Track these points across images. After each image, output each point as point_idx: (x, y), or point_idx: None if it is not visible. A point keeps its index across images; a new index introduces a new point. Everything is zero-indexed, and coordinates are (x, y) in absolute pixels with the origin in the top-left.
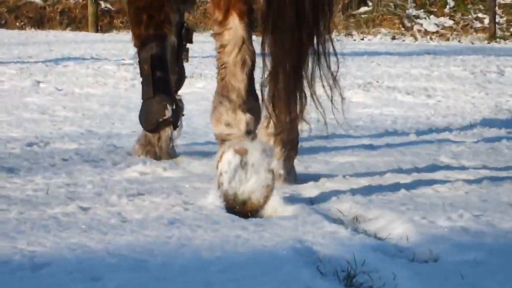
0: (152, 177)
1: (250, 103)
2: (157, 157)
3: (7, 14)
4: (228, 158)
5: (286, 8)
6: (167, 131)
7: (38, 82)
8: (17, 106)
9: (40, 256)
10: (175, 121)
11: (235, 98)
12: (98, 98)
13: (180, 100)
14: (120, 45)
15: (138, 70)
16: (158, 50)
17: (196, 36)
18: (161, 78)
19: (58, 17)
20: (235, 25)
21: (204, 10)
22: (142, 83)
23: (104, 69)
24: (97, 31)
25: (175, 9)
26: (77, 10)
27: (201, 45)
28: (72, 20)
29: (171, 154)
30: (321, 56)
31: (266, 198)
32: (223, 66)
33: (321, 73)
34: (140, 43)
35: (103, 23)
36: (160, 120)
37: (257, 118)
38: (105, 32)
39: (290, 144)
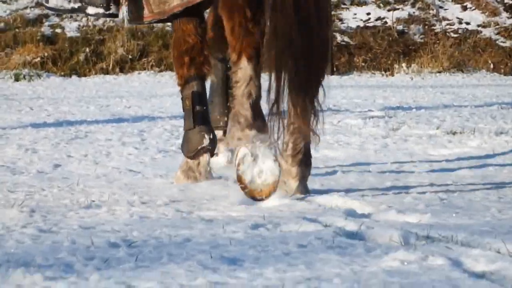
0: (419, 267)
1: (255, 123)
2: (197, 181)
3: None
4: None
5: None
6: (205, 157)
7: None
8: (232, 173)
9: None
10: (212, 149)
11: (243, 122)
12: (340, 163)
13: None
14: (365, 91)
15: (389, 126)
16: (198, 88)
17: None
18: (200, 111)
19: None
20: (245, 66)
21: None
22: (184, 116)
23: (346, 125)
24: (332, 72)
25: (217, 49)
26: None
27: (472, 90)
28: None
29: (209, 178)
30: None
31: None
32: (235, 97)
33: None
34: (183, 82)
35: (340, 62)
36: (199, 148)
37: (261, 132)
38: (343, 74)
39: (304, 164)
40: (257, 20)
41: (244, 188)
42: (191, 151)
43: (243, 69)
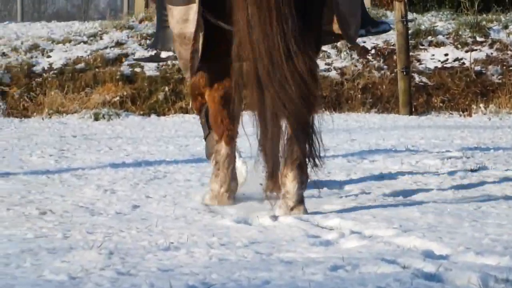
0: None
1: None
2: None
3: None
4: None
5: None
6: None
7: (339, 183)
8: (312, 215)
9: None
10: None
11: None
12: (418, 204)
13: None
14: (443, 132)
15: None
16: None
17: None
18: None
19: (359, 96)
20: (222, 147)
21: None
22: (203, 131)
23: (424, 165)
24: (410, 113)
25: None
26: (384, 87)
27: None
28: (378, 100)
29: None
30: None
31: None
32: (216, 164)
33: None
34: (198, 110)
35: (418, 102)
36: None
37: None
38: (421, 114)
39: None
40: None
41: None
42: (211, 152)
43: (222, 149)
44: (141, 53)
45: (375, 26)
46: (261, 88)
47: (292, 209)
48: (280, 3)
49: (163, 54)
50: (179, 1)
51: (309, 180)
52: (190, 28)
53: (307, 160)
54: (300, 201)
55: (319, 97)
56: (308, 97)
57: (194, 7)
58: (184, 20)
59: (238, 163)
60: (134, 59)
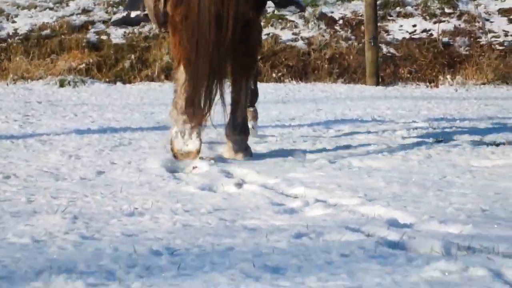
0: (460, 278)
1: (187, 110)
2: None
3: (261, 63)
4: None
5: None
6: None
7: (304, 152)
8: (277, 183)
9: None
10: None
11: (179, 108)
12: (384, 174)
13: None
14: (410, 102)
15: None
16: None
17: None
18: None
19: (326, 66)
20: (181, 71)
21: None
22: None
23: (390, 135)
24: (377, 83)
25: None
26: (351, 57)
27: None
28: (345, 70)
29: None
30: None
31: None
32: (175, 90)
33: None
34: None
35: (385, 73)
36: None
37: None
38: (388, 85)
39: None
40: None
41: (175, 154)
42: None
43: (179, 72)
44: (107, 19)
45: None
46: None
47: (236, 152)
48: None
49: (133, 14)
50: None
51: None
52: None
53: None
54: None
55: (254, 56)
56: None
57: None
58: None
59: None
60: (111, 23)
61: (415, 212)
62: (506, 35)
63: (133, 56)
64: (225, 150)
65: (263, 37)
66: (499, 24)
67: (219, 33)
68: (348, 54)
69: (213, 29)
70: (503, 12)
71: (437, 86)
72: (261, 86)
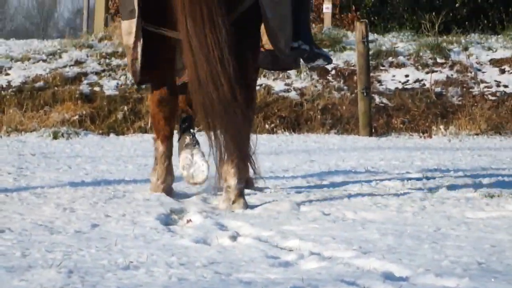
0: None
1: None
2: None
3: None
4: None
5: None
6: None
7: (299, 204)
8: (271, 236)
9: None
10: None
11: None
12: (378, 226)
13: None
14: (403, 153)
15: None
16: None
17: None
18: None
19: (319, 117)
20: (159, 145)
21: None
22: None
23: (383, 187)
24: (370, 134)
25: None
26: (344, 107)
27: (510, 153)
28: (338, 120)
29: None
30: None
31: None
32: (155, 161)
33: None
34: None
35: (378, 123)
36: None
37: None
38: (381, 135)
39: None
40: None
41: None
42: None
43: (159, 147)
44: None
45: (315, 56)
46: (201, 88)
47: (233, 202)
48: (213, 15)
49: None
50: (125, 16)
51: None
52: (132, 39)
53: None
54: (240, 195)
55: (252, 101)
56: (239, 101)
57: (135, 21)
58: (128, 33)
59: (200, 161)
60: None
61: (410, 265)
62: (498, 85)
63: (126, 108)
64: (221, 201)
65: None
66: (491, 74)
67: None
68: (341, 104)
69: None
70: (494, 62)
71: (430, 136)
72: (253, 138)
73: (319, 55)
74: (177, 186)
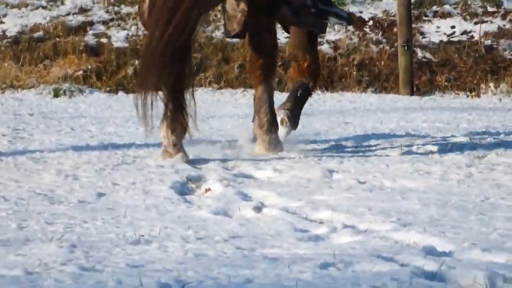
0: None
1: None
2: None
3: (281, 70)
4: None
5: None
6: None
7: (331, 171)
8: (300, 206)
9: None
10: None
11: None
12: (420, 195)
13: None
14: (448, 114)
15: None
16: None
17: None
18: None
19: (355, 73)
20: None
21: None
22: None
23: (426, 152)
24: (412, 93)
25: None
26: (383, 63)
27: None
28: (376, 78)
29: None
30: None
31: None
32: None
33: None
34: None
35: (420, 81)
36: None
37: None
38: (424, 94)
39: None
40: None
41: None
42: None
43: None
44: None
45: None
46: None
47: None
48: None
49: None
50: None
51: None
52: None
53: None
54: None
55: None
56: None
57: None
58: None
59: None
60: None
61: (454, 239)
62: None
63: (137, 62)
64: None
65: (285, 40)
66: None
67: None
68: (379, 59)
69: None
70: None
71: (478, 95)
72: (282, 96)
73: (327, 12)
74: (193, 151)
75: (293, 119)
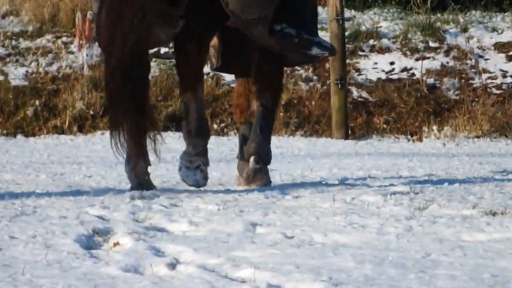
0: None
1: None
2: None
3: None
4: None
5: None
6: None
7: (254, 224)
8: (219, 263)
9: None
10: None
11: None
12: (354, 251)
13: None
14: (386, 160)
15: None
16: None
17: None
18: None
19: (282, 115)
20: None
21: None
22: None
23: (361, 203)
24: (346, 136)
25: None
26: (313, 103)
27: None
28: (305, 119)
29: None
30: None
31: None
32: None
33: None
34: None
35: (355, 123)
36: None
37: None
38: (359, 138)
39: None
40: None
41: None
42: None
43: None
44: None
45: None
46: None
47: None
48: None
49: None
50: None
51: None
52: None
53: None
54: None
55: None
56: None
57: None
58: None
59: None
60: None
61: None
62: (504, 76)
63: (37, 102)
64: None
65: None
66: (495, 62)
67: None
68: (310, 99)
69: None
70: (500, 47)
71: (420, 139)
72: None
73: (312, 43)
74: (99, 201)
75: (265, 158)
